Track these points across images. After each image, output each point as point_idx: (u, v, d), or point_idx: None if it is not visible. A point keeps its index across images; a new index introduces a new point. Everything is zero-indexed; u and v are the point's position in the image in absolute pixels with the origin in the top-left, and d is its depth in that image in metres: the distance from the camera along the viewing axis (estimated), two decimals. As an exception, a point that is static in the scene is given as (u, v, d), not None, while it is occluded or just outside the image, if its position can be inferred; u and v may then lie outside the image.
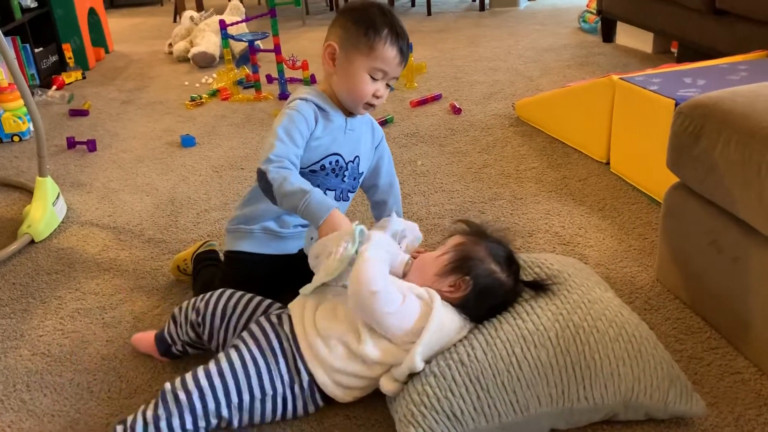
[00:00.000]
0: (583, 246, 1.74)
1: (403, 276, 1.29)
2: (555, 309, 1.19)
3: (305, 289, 1.28)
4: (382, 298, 1.12)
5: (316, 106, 1.42)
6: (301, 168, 1.41)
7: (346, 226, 1.28)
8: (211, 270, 1.60)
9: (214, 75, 3.63)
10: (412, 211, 1.99)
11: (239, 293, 1.34)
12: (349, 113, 1.47)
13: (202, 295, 1.34)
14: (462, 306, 1.21)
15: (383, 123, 2.73)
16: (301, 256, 1.50)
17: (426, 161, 2.36)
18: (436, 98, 3.02)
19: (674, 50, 3.44)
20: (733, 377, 1.26)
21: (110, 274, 1.77)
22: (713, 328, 1.39)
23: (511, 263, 1.26)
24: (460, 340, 1.17)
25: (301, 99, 1.43)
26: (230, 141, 2.70)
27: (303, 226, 1.52)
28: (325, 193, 1.46)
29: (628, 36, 3.70)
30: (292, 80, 3.41)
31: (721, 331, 1.37)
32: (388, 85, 1.42)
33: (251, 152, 2.56)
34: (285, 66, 3.21)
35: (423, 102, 2.98)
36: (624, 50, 3.65)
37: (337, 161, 1.46)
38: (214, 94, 3.33)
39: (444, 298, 1.21)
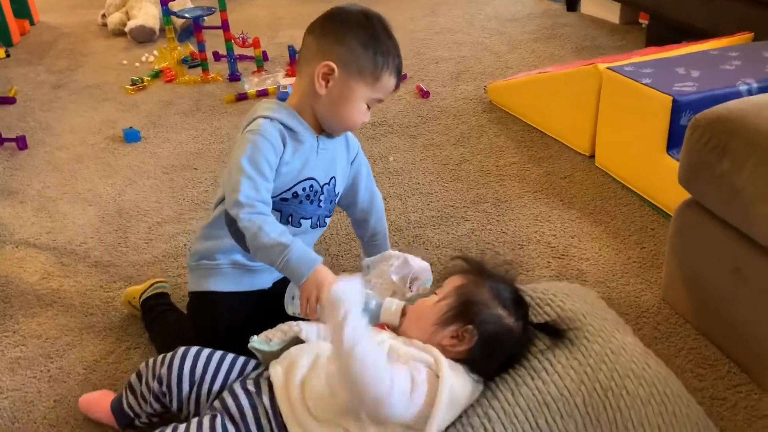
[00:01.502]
0: (579, 259, 1.62)
1: (399, 325, 1.14)
2: (577, 365, 1.05)
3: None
4: (392, 401, 0.94)
5: (283, 125, 1.22)
6: (271, 197, 1.22)
7: (331, 281, 1.12)
8: (170, 317, 1.40)
9: (155, 52, 3.32)
10: (390, 219, 1.82)
11: (206, 351, 1.15)
12: (321, 130, 1.28)
13: (161, 358, 1.14)
14: (469, 361, 1.06)
15: (347, 110, 2.52)
16: (276, 291, 1.32)
17: (398, 156, 2.19)
18: (402, 79, 2.81)
19: (642, 21, 3.32)
20: (762, 422, 1.17)
21: (54, 309, 1.55)
22: (732, 360, 1.29)
23: (518, 305, 1.12)
24: (473, 407, 1.03)
25: (264, 117, 1.21)
26: (179, 134, 2.45)
27: None
28: (299, 222, 1.29)
29: (593, 5, 3.56)
30: (243, 58, 3.15)
31: (741, 364, 1.27)
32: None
33: (204, 147, 2.33)
34: (234, 44, 2.96)
35: (387, 84, 2.77)
36: (590, 20, 3.50)
37: (311, 186, 1.28)
38: (156, 75, 3.04)
39: (446, 351, 1.06)
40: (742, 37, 2.17)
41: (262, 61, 3.01)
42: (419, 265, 1.30)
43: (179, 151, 2.31)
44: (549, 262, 1.61)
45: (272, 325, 1.27)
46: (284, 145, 1.21)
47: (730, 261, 1.24)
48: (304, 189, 1.27)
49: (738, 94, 1.71)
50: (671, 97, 1.67)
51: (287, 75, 2.92)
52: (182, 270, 1.66)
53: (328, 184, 1.31)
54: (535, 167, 2.06)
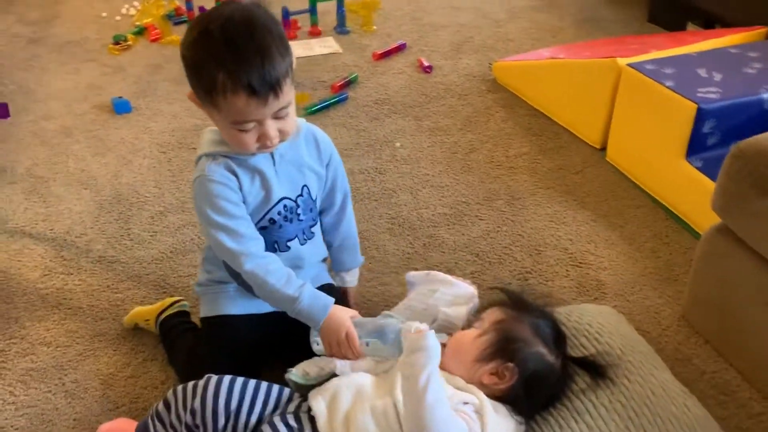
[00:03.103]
0: (596, 268, 1.61)
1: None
2: (620, 408, 1.06)
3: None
4: None
5: (227, 157, 1.14)
6: None
7: (347, 323, 1.14)
8: (189, 339, 1.35)
9: (136, 3, 3.14)
10: (402, 215, 1.79)
11: (239, 381, 1.11)
12: None
13: (192, 388, 1.10)
14: (510, 400, 1.06)
15: (347, 83, 2.44)
16: None
17: (404, 141, 2.13)
18: (401, 48, 2.72)
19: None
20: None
21: (60, 312, 1.49)
22: (753, 387, 1.31)
23: (559, 342, 1.12)
24: (522, 456, 1.03)
25: (206, 156, 1.15)
26: (172, 105, 2.34)
27: None
28: (286, 246, 1.23)
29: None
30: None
31: (763, 392, 1.30)
32: (278, 118, 1.08)
33: (200, 124, 2.23)
34: (225, 3, 2.80)
35: (387, 54, 2.68)
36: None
37: (285, 206, 1.21)
38: (140, 32, 2.88)
39: (486, 389, 1.05)
40: (758, 32, 2.14)
41: (253, 22, 2.87)
42: (467, 291, 1.26)
43: (174, 127, 2.21)
44: (567, 271, 1.61)
45: (292, 347, 1.27)
46: (237, 177, 1.14)
47: (762, 293, 1.25)
48: (279, 213, 1.21)
49: (761, 102, 1.70)
50: (696, 105, 1.64)
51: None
52: (192, 269, 1.61)
53: (301, 195, 1.23)
54: (545, 159, 2.03)
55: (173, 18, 2.99)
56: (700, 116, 1.65)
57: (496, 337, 1.08)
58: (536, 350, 1.07)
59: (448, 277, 1.29)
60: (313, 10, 2.86)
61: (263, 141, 1.10)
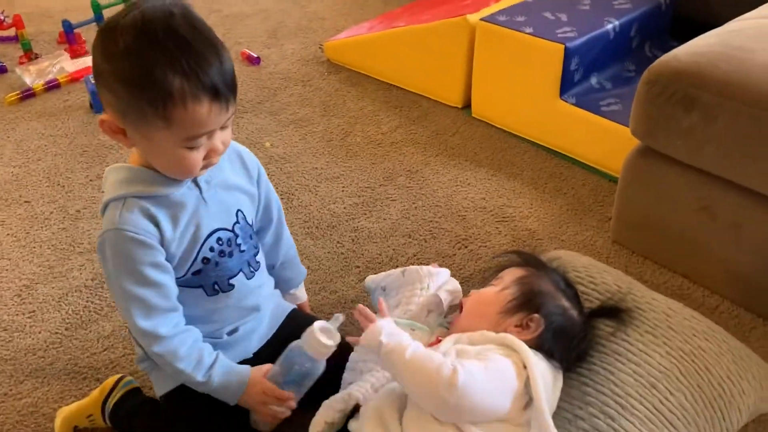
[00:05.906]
0: (521, 219, 1.65)
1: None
2: (652, 338, 1.09)
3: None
4: (466, 387, 0.87)
5: (141, 199, 0.94)
6: (177, 278, 1.00)
7: (259, 379, 1.02)
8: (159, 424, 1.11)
9: None
10: (314, 217, 1.66)
11: None
12: None
13: None
14: (538, 350, 1.03)
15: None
16: (264, 357, 1.11)
17: (272, 139, 1.97)
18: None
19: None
20: (753, 333, 1.33)
21: (-45, 447, 1.14)
22: (701, 285, 1.44)
23: (578, 299, 1.12)
24: (582, 409, 1.01)
25: (116, 201, 0.93)
26: (-30, 157, 1.90)
27: (233, 331, 1.11)
28: (229, 285, 1.05)
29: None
30: (2, 40, 2.50)
31: (709, 287, 1.43)
32: (224, 127, 0.93)
33: (20, 171, 1.84)
34: (-12, 26, 2.34)
35: (204, 54, 2.44)
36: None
37: (219, 239, 1.02)
38: None
39: None
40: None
41: (30, 46, 2.43)
42: (446, 273, 1.21)
43: (-13, 182, 1.80)
44: (498, 229, 1.62)
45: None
46: (157, 224, 0.94)
47: (695, 201, 1.36)
48: (212, 249, 1.02)
49: (607, 34, 1.85)
50: (563, 45, 1.73)
51: (74, 56, 2.40)
52: (105, 341, 1.33)
53: (238, 222, 1.05)
54: (419, 128, 2.02)
55: None
56: (568, 55, 1.75)
57: (520, 290, 1.07)
58: (561, 304, 1.07)
59: (427, 268, 1.23)
60: (99, 19, 2.49)
61: (210, 157, 0.93)
